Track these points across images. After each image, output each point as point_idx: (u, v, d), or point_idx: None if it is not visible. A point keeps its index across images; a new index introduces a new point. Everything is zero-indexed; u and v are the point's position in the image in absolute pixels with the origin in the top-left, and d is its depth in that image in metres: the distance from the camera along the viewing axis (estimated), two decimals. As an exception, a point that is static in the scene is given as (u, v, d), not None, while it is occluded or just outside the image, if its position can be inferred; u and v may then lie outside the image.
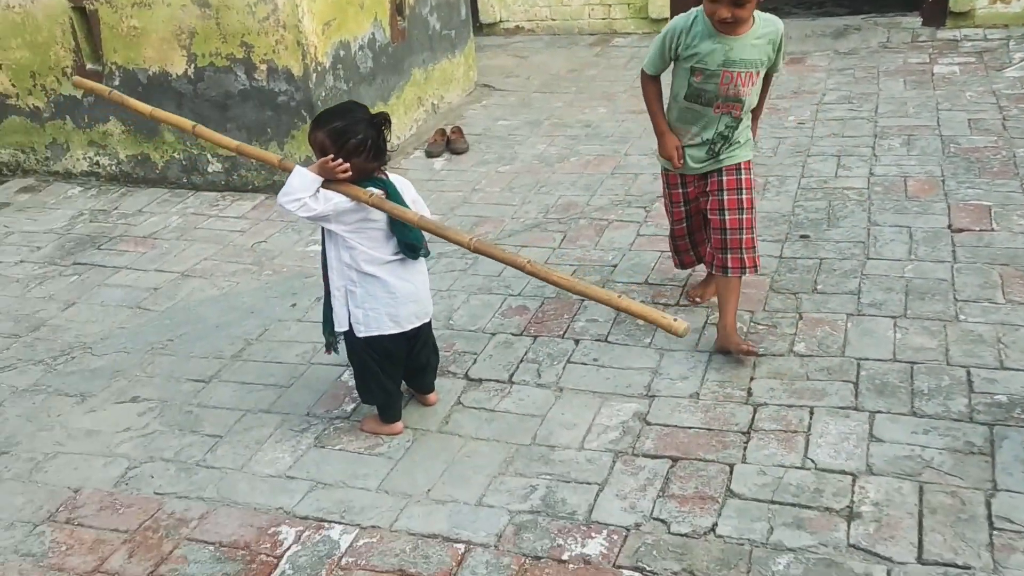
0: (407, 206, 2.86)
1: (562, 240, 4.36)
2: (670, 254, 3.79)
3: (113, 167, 5.55)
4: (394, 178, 2.93)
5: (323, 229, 2.90)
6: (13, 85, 5.54)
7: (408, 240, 2.88)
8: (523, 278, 4.00)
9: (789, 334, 3.40)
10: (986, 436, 2.76)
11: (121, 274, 4.45)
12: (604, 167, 5.21)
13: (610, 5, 8.01)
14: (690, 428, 2.95)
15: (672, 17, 7.46)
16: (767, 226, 4.26)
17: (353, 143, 2.74)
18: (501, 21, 8.35)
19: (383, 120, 2.82)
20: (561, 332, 3.58)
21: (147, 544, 2.66)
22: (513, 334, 3.60)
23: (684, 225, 3.59)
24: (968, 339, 3.24)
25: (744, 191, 3.34)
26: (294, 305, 4.00)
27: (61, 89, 5.44)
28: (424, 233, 2.89)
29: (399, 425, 3.08)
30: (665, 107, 3.43)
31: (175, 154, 5.36)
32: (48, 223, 5.14)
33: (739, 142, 3.34)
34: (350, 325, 2.93)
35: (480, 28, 8.35)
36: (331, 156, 2.74)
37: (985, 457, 2.68)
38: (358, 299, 2.90)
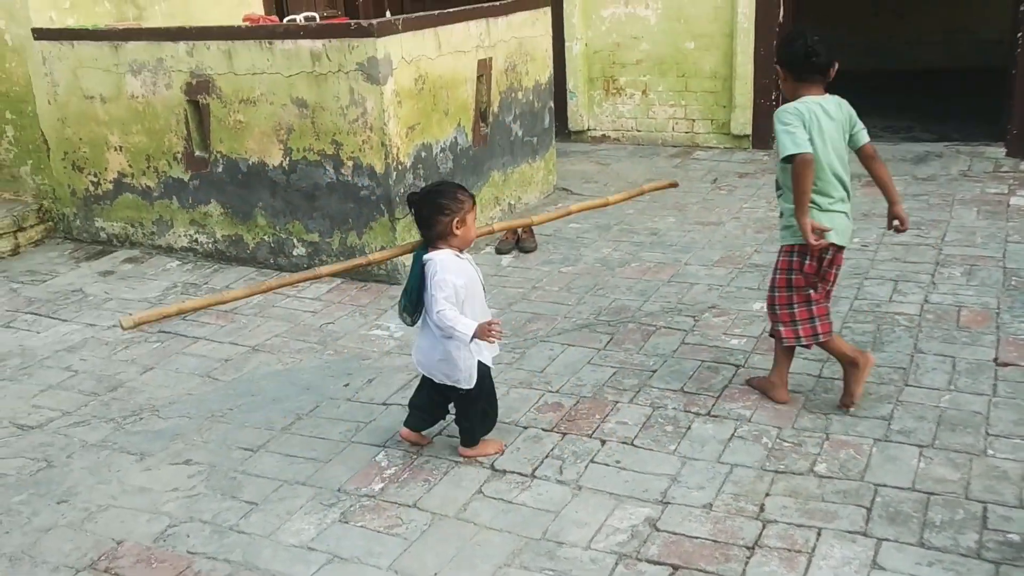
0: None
1: (608, 342, 4.51)
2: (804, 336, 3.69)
3: (210, 245, 6.01)
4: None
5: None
6: (130, 166, 6.11)
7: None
8: (563, 375, 4.16)
9: (813, 454, 3.44)
10: (991, 575, 2.74)
11: (199, 344, 4.81)
12: (662, 274, 5.36)
13: (694, 120, 8.26)
14: (696, 538, 3.01)
15: (752, 134, 7.75)
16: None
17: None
18: (588, 129, 8.70)
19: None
20: (590, 432, 3.70)
21: (170, 597, 2.88)
22: (544, 429, 3.74)
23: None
24: (992, 474, 3.22)
25: (778, 271, 3.70)
26: (347, 385, 4.25)
27: (171, 172, 5.97)
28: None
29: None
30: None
31: (265, 237, 5.78)
32: (144, 292, 5.60)
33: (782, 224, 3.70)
34: None
35: (568, 135, 8.71)
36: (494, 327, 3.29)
37: (986, 595, 2.66)
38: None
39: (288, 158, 5.52)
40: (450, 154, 5.78)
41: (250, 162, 5.65)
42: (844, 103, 3.66)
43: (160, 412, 4.12)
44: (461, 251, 3.43)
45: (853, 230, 3.78)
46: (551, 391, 4.06)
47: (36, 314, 5.35)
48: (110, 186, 6.26)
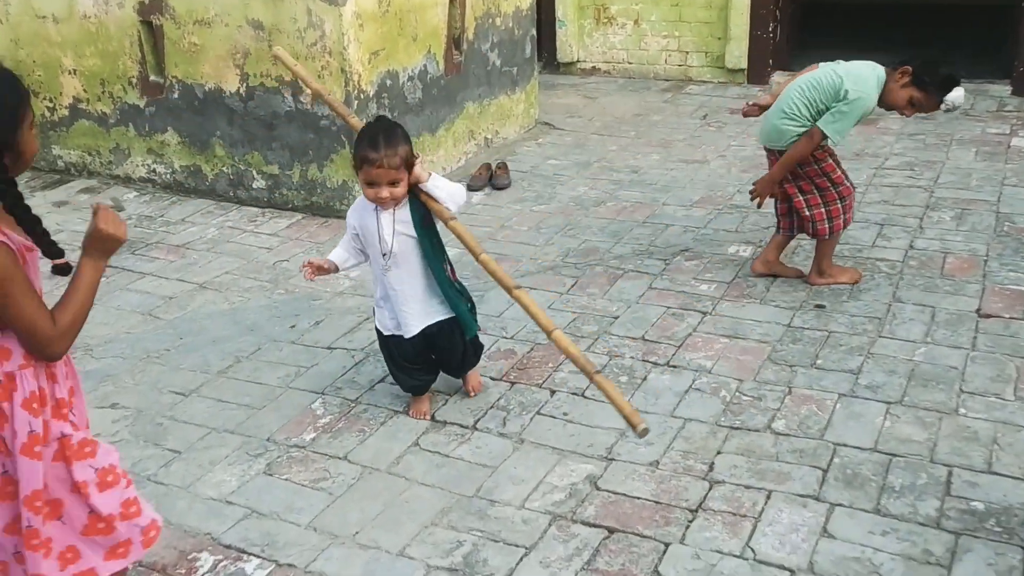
0: None
1: (572, 285, 4.27)
2: (838, 220, 3.97)
3: (168, 176, 5.75)
4: None
5: (427, 235, 3.14)
6: (85, 91, 5.82)
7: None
8: (520, 320, 3.94)
9: (772, 409, 3.22)
10: (949, 546, 2.53)
11: (145, 280, 4.59)
12: (638, 214, 5.09)
13: (687, 52, 7.89)
14: (637, 499, 2.81)
15: (748, 68, 7.39)
16: (785, 291, 4.08)
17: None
18: (578, 61, 8.33)
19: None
20: (540, 381, 3.49)
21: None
22: (492, 378, 3.53)
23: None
24: (961, 435, 3.00)
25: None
26: (293, 326, 4.03)
27: (126, 97, 5.68)
28: None
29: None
30: None
31: (224, 168, 5.52)
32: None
33: None
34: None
35: (557, 67, 8.35)
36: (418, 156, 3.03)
37: (942, 569, 2.46)
38: None
39: (245, 84, 5.23)
40: (419, 83, 5.47)
41: (206, 88, 5.35)
42: None
43: (94, 351, 3.91)
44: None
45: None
46: (505, 337, 3.84)
47: None
48: (66, 112, 5.97)
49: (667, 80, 8.00)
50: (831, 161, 3.94)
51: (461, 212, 4.83)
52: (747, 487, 2.83)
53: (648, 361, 3.58)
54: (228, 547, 2.71)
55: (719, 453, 3.00)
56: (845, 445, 2.99)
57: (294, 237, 5.03)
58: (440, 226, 3.15)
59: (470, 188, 5.60)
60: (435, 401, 3.39)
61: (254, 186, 5.45)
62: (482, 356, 3.46)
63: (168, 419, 3.39)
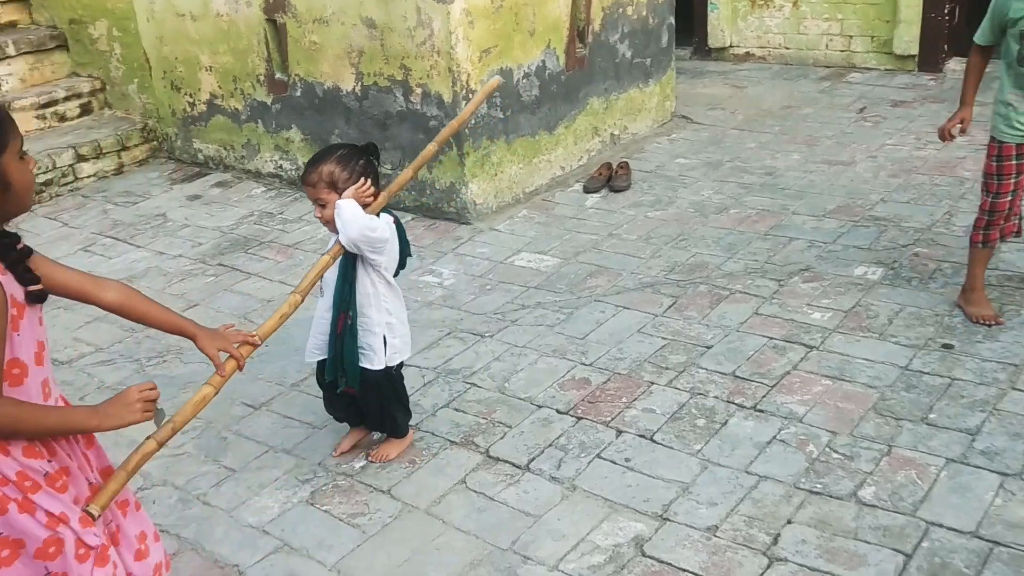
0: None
1: (669, 306, 3.95)
2: (977, 232, 3.60)
3: (292, 172, 5.83)
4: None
5: (344, 268, 2.84)
6: (220, 87, 5.98)
7: (405, 255, 2.98)
8: (604, 344, 3.68)
9: (863, 472, 2.82)
10: (1045, 673, 2.10)
11: (249, 281, 4.65)
12: (761, 225, 4.66)
13: (851, 36, 7.21)
14: (683, 572, 2.52)
15: (919, 54, 6.66)
16: (911, 324, 3.59)
17: (363, 167, 2.81)
18: (730, 47, 7.81)
19: (372, 148, 2.88)
20: (609, 418, 3.23)
21: (106, 574, 2.71)
22: (558, 411, 3.30)
23: (1009, 199, 3.51)
24: (1090, 527, 2.51)
25: None
26: (374, 340, 3.94)
27: (255, 94, 5.79)
28: None
29: (412, 432, 3.20)
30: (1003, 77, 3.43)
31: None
32: (221, 220, 5.50)
33: None
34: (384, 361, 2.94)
35: (708, 52, 7.87)
36: (359, 183, 2.77)
37: None
38: (396, 329, 2.94)
39: (360, 83, 5.18)
40: (535, 80, 5.24)
41: (326, 86, 5.36)
42: None
43: (184, 355, 3.98)
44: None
45: None
46: (584, 363, 3.59)
47: (115, 239, 5.38)
48: (204, 107, 6.17)
49: (827, 67, 7.35)
50: (996, 164, 3.47)
51: (573, 216, 4.59)
52: (811, 569, 2.47)
53: (733, 403, 3.24)
54: (250, 584, 2.65)
55: (789, 523, 2.65)
56: (940, 525, 2.57)
57: (399, 240, 4.95)
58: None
59: (586, 190, 5.34)
60: (492, 434, 3.20)
61: (369, 185, 5.41)
62: (412, 431, 3.21)
63: (233, 434, 3.39)
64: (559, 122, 5.49)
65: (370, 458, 3.14)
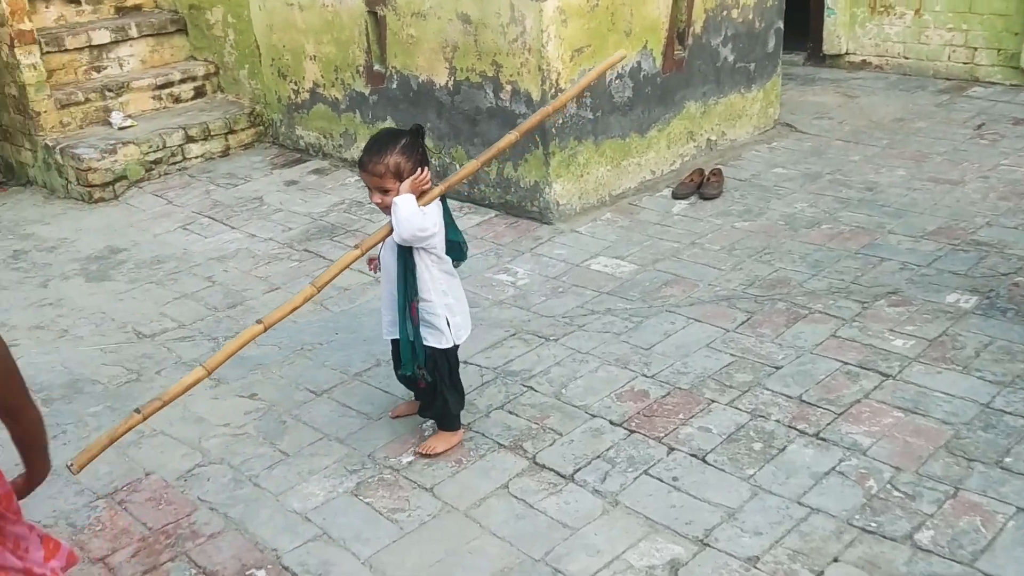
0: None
1: (743, 322, 3.82)
2: None
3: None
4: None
5: (402, 257, 2.92)
6: (322, 76, 6.11)
7: (459, 239, 3.06)
8: (669, 357, 3.59)
9: (923, 514, 2.66)
10: None
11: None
12: (853, 242, 4.46)
13: (976, 48, 6.81)
14: (716, 600, 2.43)
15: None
16: (999, 358, 3.37)
17: (421, 152, 2.89)
18: (846, 54, 7.50)
19: (420, 130, 2.92)
20: (663, 434, 3.14)
21: (152, 549, 2.81)
22: (611, 422, 3.23)
23: None
24: None
25: None
26: (441, 335, 3.95)
27: (354, 85, 5.89)
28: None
29: (462, 430, 3.21)
30: None
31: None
32: (313, 206, 5.62)
33: None
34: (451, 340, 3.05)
35: (822, 59, 7.58)
36: (418, 173, 2.85)
37: None
38: (455, 309, 3.05)
39: (453, 78, 5.21)
40: (629, 81, 5.15)
41: (420, 80, 5.40)
42: None
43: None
44: None
45: None
46: (645, 375, 3.51)
47: (212, 219, 5.57)
48: (307, 95, 6.32)
49: (947, 79, 6.97)
50: None
51: (658, 222, 4.51)
52: (851, 613, 2.35)
53: (794, 428, 3.10)
54: (285, 568, 2.69)
55: (835, 561, 2.52)
56: (999, 580, 2.40)
57: (479, 236, 4.95)
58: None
59: (675, 196, 5.22)
60: (541, 440, 3.17)
61: (457, 179, 5.44)
62: (461, 429, 3.22)
63: (293, 418, 3.46)
64: (652, 125, 5.38)
65: (417, 450, 3.15)
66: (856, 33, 7.42)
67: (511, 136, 3.03)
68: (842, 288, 4.03)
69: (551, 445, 3.14)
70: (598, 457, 3.05)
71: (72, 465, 2.34)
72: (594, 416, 3.27)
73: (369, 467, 3.12)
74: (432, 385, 3.06)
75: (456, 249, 3.07)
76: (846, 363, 3.45)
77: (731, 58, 5.76)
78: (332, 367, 3.79)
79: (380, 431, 3.32)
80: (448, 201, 4.98)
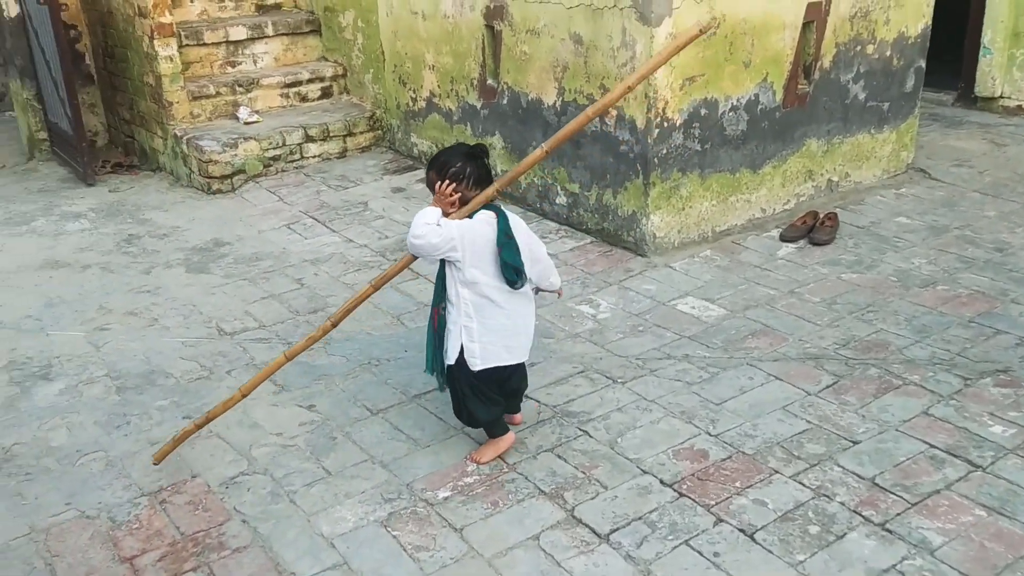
0: (514, 238, 2.99)
1: (827, 386, 3.54)
2: None
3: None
4: (508, 214, 3.08)
5: (442, 269, 3.05)
6: (438, 87, 6.12)
7: (510, 262, 2.97)
8: (739, 415, 3.37)
9: (987, 636, 2.36)
10: None
11: (416, 282, 4.70)
12: (968, 308, 4.08)
13: None
14: None
15: None
16: (1113, 465, 2.98)
17: (453, 171, 2.99)
18: (1001, 97, 6.94)
19: (480, 151, 3.06)
20: (714, 502, 2.93)
21: (179, 555, 2.82)
22: (662, 481, 3.04)
23: None
24: None
25: None
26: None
27: (468, 97, 5.86)
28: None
29: (511, 434, 3.22)
30: None
31: (535, 179, 5.47)
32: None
33: None
34: (460, 359, 3.05)
35: (973, 101, 7.05)
36: (441, 187, 3.01)
37: None
38: (475, 334, 3.03)
39: (561, 98, 5.09)
40: (744, 114, 4.90)
41: (530, 97, 5.32)
42: None
43: (329, 347, 4.09)
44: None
45: None
46: (709, 433, 3.29)
47: (316, 220, 5.65)
48: (423, 104, 6.34)
49: (1114, 132, 6.35)
50: None
51: (759, 264, 4.28)
52: None
53: (859, 514, 2.83)
54: (297, 596, 2.65)
55: (874, 675, 2.27)
56: None
57: (570, 262, 4.82)
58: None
59: (783, 239, 4.93)
60: (584, 492, 3.01)
61: (557, 201, 5.33)
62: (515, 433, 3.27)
63: (343, 435, 3.43)
64: (766, 161, 5.11)
65: (468, 458, 3.20)
66: (1014, 76, 6.86)
67: (538, 152, 3.01)
68: (946, 359, 3.68)
69: (593, 498, 2.98)
70: (639, 519, 2.87)
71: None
72: (645, 472, 3.09)
73: (405, 497, 3.05)
74: (453, 393, 3.16)
75: (508, 271, 2.98)
76: (933, 446, 3.14)
77: (862, 96, 5.40)
78: (393, 386, 3.74)
79: (424, 460, 3.24)
80: (545, 222, 4.99)
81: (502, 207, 3.07)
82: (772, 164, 5.14)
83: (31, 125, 7.55)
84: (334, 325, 3.17)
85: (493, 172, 4.55)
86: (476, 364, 3.02)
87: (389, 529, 2.90)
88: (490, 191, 2.98)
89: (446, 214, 2.99)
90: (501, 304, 3.02)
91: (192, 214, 5.93)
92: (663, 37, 4.44)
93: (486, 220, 2.99)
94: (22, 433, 3.52)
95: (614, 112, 4.76)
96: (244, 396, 3.20)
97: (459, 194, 2.98)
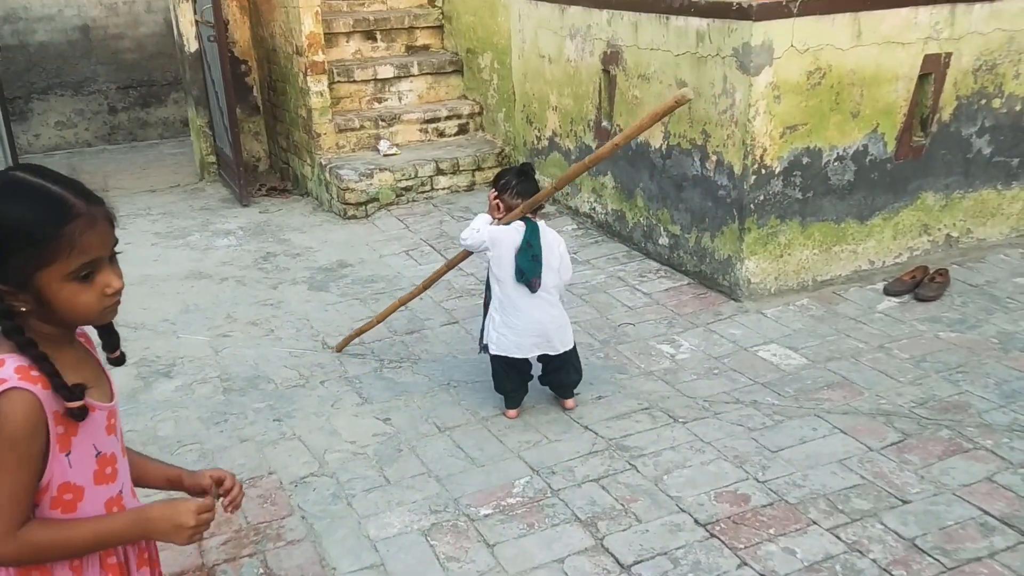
0: (535, 245, 3.63)
1: (891, 443, 3.47)
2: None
3: (602, 215, 6.02)
4: (546, 229, 3.72)
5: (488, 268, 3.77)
6: (560, 126, 6.36)
7: (518, 263, 3.60)
8: (791, 465, 3.36)
9: None
10: None
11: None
12: (1067, 378, 3.88)
13: None
14: None
15: None
16: None
17: (501, 183, 3.71)
18: None
19: (528, 169, 3.75)
20: (744, 546, 2.96)
21: (240, 542, 3.13)
22: (697, 521, 3.10)
23: None
24: None
25: None
26: (577, 393, 3.97)
27: (584, 137, 6.06)
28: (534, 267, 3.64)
29: (513, 412, 3.84)
30: None
31: (640, 219, 5.59)
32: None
33: None
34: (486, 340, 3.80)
35: None
36: (490, 195, 3.74)
37: None
38: (496, 324, 3.71)
39: (666, 142, 5.21)
40: (851, 164, 4.84)
41: (639, 140, 5.45)
42: None
43: (417, 365, 4.36)
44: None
45: None
46: (757, 479, 3.31)
47: (433, 248, 5.99)
48: (547, 143, 6.59)
49: None
50: None
51: (855, 316, 4.26)
52: None
53: (889, 572, 2.79)
54: (332, 589, 2.89)
55: None
56: None
57: (660, 302, 4.90)
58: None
59: (886, 292, 4.82)
60: (620, 523, 3.11)
61: (660, 241, 5.42)
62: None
63: (408, 449, 3.67)
64: (876, 212, 5.02)
65: None
66: None
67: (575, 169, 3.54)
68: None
69: (624, 530, 3.07)
70: (664, 554, 2.95)
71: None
72: (682, 511, 3.16)
73: (450, 510, 3.25)
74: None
75: (516, 270, 3.60)
76: (987, 512, 3.04)
77: (987, 151, 5.21)
78: (465, 407, 3.96)
79: (476, 477, 3.43)
80: (648, 261, 5.27)
81: (536, 222, 3.67)
82: (882, 216, 5.04)
83: (202, 149, 8.35)
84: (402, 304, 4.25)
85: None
86: (492, 348, 3.72)
87: (428, 538, 3.10)
88: (529, 202, 3.60)
89: (496, 219, 3.65)
90: (518, 305, 3.63)
91: (326, 236, 6.41)
92: (763, 86, 4.49)
93: (516, 227, 3.63)
94: (136, 422, 3.97)
95: (715, 158, 4.83)
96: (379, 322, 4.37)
97: (499, 201, 3.65)
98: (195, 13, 7.82)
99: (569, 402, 3.87)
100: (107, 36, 10.39)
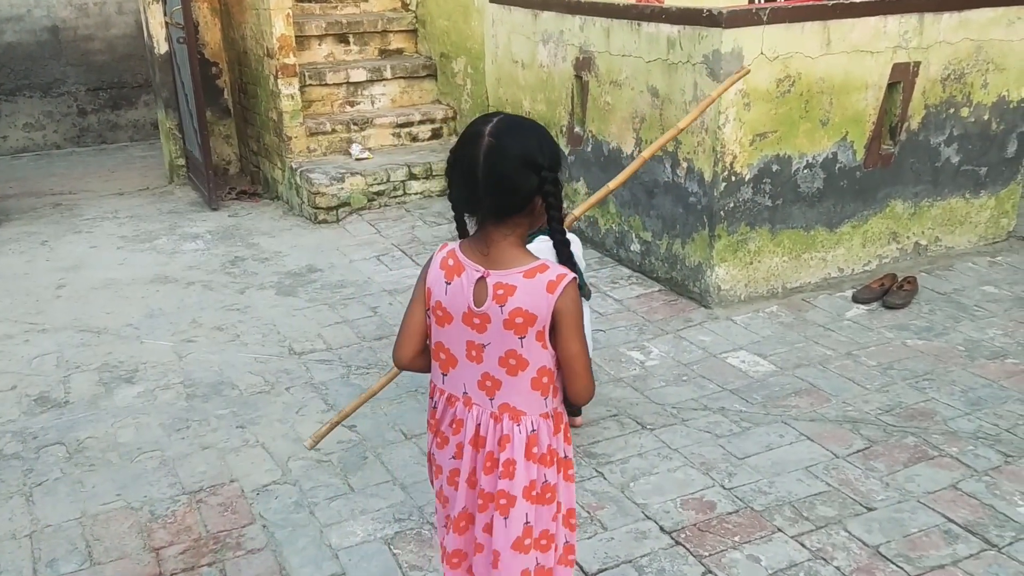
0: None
1: (857, 450, 3.47)
2: None
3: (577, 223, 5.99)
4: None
5: None
6: (532, 132, 6.33)
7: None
8: (758, 472, 3.35)
9: None
10: None
11: (480, 318, 4.88)
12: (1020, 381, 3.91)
13: None
14: None
15: None
16: None
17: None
18: None
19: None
20: (708, 553, 2.94)
21: (199, 551, 3.07)
22: (662, 528, 3.08)
23: None
24: None
25: None
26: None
27: (557, 143, 6.04)
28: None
29: None
30: None
31: (613, 225, 5.58)
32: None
33: None
34: None
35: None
36: None
37: None
38: None
39: (638, 148, 5.20)
40: (820, 172, 4.86)
41: (611, 146, 5.45)
42: None
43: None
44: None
45: None
46: (723, 486, 3.30)
47: (404, 253, 5.94)
48: (519, 148, 6.56)
49: None
50: None
51: (823, 324, 4.26)
52: None
53: (853, 580, 2.79)
54: (292, 598, 2.84)
55: None
56: None
57: (632, 308, 4.89)
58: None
59: (855, 300, 4.84)
60: (585, 530, 3.08)
61: (631, 248, 5.42)
62: None
63: (374, 456, 3.62)
64: (845, 220, 5.04)
65: None
66: None
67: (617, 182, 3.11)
68: (991, 435, 3.54)
69: (590, 538, 3.05)
70: (628, 562, 2.92)
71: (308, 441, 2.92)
72: (647, 517, 3.14)
73: (414, 518, 3.21)
74: None
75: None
76: (951, 520, 3.04)
77: (955, 159, 5.25)
78: (433, 414, 3.91)
79: (442, 486, 3.39)
80: (620, 267, 5.31)
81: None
82: (851, 223, 5.06)
83: (172, 152, 8.26)
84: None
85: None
86: None
87: (391, 547, 3.06)
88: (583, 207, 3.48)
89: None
90: None
91: (295, 241, 6.35)
92: (732, 93, 4.49)
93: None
94: (97, 428, 3.90)
95: (685, 165, 4.83)
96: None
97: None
98: (165, 15, 7.74)
99: (577, 419, 3.73)
100: (77, 37, 10.26)
